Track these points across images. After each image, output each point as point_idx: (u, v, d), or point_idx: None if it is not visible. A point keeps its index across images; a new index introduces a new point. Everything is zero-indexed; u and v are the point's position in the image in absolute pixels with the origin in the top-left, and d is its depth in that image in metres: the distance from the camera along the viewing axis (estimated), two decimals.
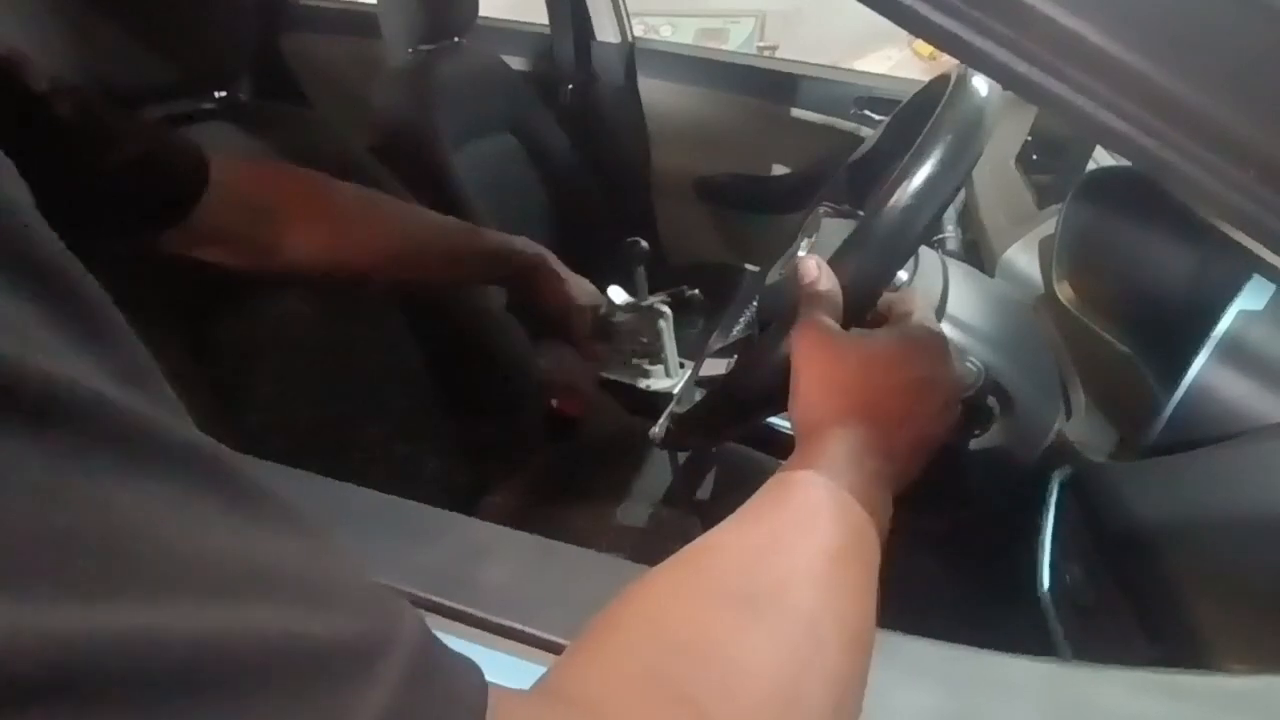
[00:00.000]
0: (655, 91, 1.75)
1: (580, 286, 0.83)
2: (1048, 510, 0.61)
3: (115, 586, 0.16)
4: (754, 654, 0.31)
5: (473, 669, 0.24)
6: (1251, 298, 0.53)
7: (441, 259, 0.77)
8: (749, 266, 1.71)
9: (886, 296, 0.53)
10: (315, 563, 0.21)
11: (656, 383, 0.85)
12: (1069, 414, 0.69)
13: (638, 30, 1.81)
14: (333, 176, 0.85)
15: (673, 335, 0.85)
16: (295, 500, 0.21)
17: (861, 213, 0.67)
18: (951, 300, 0.66)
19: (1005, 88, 0.32)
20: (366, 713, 0.19)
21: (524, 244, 0.81)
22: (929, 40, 0.28)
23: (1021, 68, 0.26)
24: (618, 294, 0.84)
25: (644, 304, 0.83)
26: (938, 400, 0.46)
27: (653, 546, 0.87)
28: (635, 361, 0.85)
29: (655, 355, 0.85)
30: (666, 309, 0.83)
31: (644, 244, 0.82)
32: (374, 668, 0.20)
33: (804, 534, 0.38)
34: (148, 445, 0.18)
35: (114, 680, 0.15)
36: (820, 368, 0.45)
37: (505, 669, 0.42)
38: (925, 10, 0.25)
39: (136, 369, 0.19)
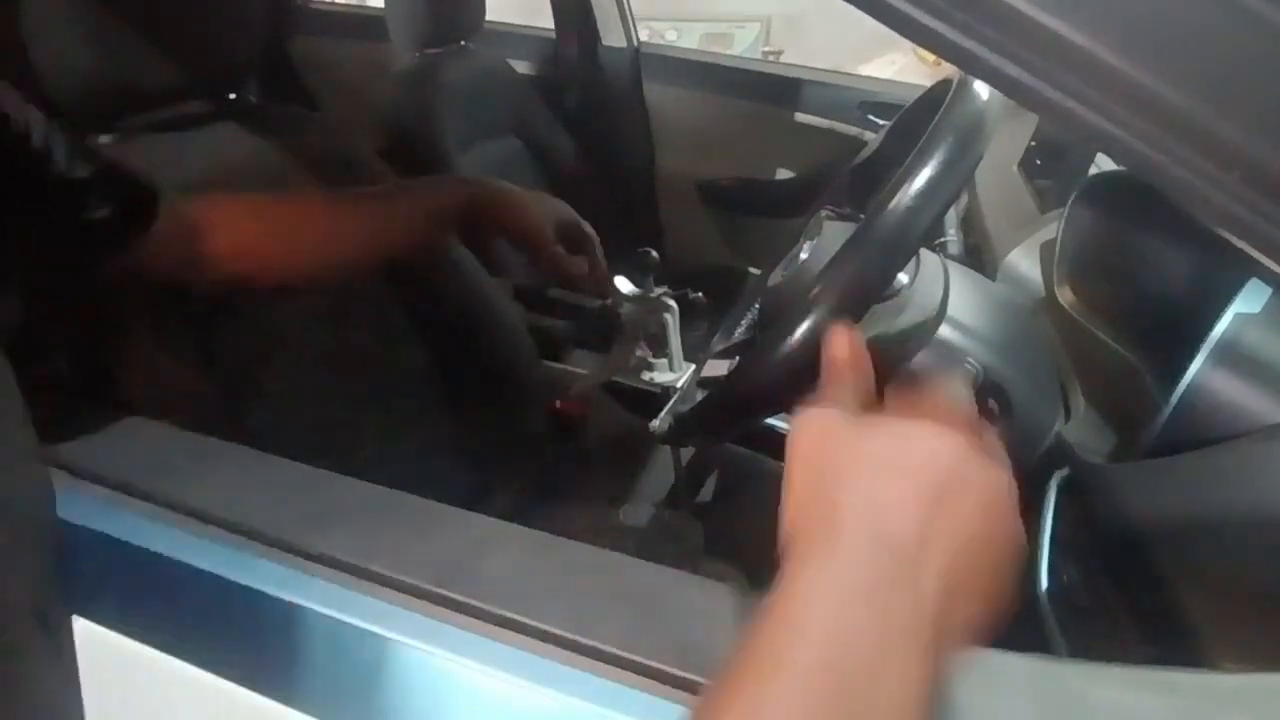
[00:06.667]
0: (660, 96, 1.76)
1: (537, 201, 0.78)
2: (1046, 511, 0.61)
3: None
4: None
5: None
6: (1249, 301, 0.54)
7: (374, 234, 0.75)
8: (752, 270, 1.71)
9: (922, 381, 0.41)
10: None
11: (660, 377, 0.85)
12: (1068, 416, 0.69)
13: (643, 35, 1.82)
14: (336, 179, 0.85)
15: (678, 328, 0.84)
16: None
17: (863, 216, 0.67)
18: (952, 303, 0.66)
19: (999, 91, 0.33)
20: None
21: (455, 182, 0.76)
22: (920, 43, 0.28)
23: (1012, 71, 0.27)
24: (624, 284, 0.83)
25: (650, 295, 0.83)
26: (988, 513, 0.33)
27: (654, 547, 0.87)
28: (639, 355, 0.85)
29: (660, 348, 0.85)
30: (672, 302, 0.83)
31: (655, 254, 0.83)
32: None
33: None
34: None
35: None
36: (824, 459, 0.34)
37: (507, 661, 0.43)
38: (915, 13, 0.26)
39: None
